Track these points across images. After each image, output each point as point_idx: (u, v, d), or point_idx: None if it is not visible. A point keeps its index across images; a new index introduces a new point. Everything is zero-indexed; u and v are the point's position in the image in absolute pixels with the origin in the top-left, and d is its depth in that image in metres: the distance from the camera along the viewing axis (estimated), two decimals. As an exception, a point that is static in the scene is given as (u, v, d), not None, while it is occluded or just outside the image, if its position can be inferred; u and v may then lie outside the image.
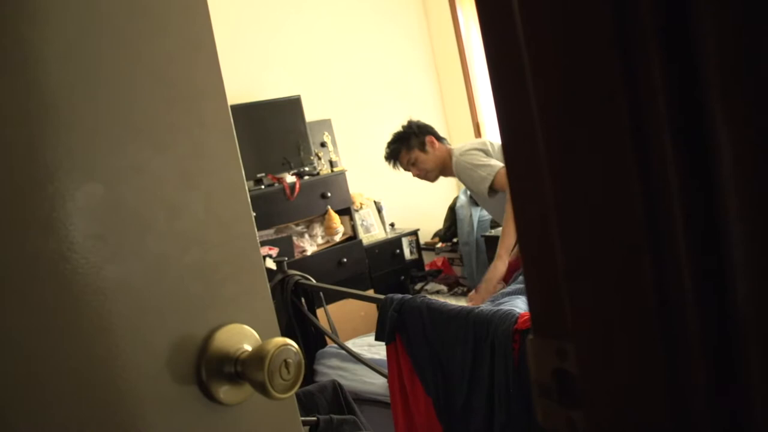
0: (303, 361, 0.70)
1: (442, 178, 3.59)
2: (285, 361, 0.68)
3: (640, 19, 0.31)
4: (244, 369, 0.69)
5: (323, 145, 4.90)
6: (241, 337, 0.72)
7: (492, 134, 5.41)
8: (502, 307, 2.42)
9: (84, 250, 0.64)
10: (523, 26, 0.36)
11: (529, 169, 0.38)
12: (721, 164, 0.30)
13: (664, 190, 0.32)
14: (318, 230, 4.75)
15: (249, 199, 0.76)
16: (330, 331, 3.12)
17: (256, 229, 0.77)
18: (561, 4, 0.34)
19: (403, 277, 5.13)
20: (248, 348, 0.71)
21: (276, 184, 4.50)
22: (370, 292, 4.45)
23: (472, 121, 5.53)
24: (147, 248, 0.68)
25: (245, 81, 4.53)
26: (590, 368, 0.38)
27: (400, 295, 2.47)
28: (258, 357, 0.67)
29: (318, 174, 4.73)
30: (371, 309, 4.31)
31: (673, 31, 0.31)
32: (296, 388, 0.70)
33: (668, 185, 0.32)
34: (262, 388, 0.67)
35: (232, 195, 0.75)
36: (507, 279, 3.12)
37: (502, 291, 2.98)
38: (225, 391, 0.71)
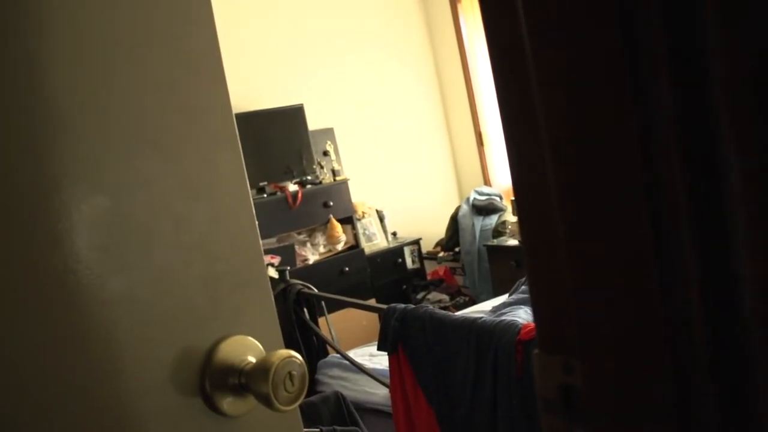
0: (307, 374, 0.70)
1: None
2: (289, 373, 0.68)
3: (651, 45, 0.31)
4: (248, 381, 0.69)
5: (326, 153, 4.91)
6: (246, 349, 0.72)
7: (495, 144, 5.42)
8: (504, 317, 2.42)
9: (89, 262, 0.64)
10: (536, 74, 0.36)
11: (537, 180, 0.38)
12: (731, 185, 0.30)
13: (673, 207, 0.32)
14: (320, 239, 4.76)
15: (254, 212, 0.77)
16: (332, 340, 3.11)
17: (261, 242, 0.77)
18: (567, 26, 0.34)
19: (404, 287, 5.13)
20: (252, 360, 0.71)
21: (278, 193, 4.51)
22: (372, 302, 4.45)
23: (474, 131, 5.54)
24: (152, 260, 0.69)
25: (248, 90, 4.54)
26: (596, 384, 0.38)
27: (402, 305, 2.47)
28: (262, 369, 0.67)
29: (320, 183, 4.74)
30: (372, 318, 4.30)
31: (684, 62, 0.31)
32: (300, 400, 0.70)
33: (677, 203, 0.32)
34: (266, 401, 0.67)
35: (238, 207, 0.75)
36: None
37: (504, 301, 2.98)
38: (229, 403, 0.70)
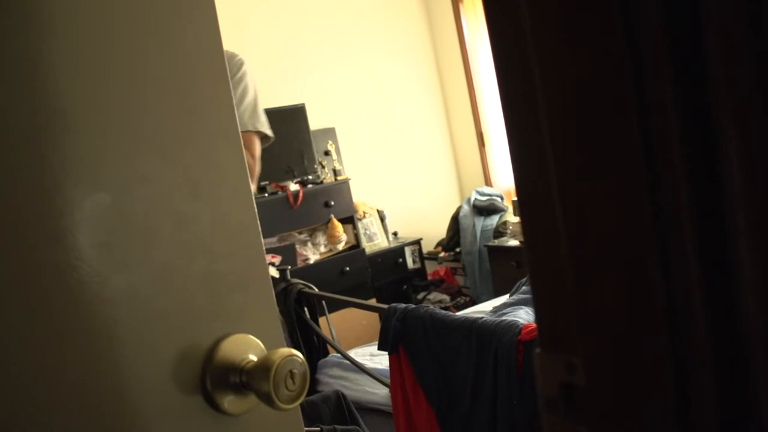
0: (308, 372, 0.70)
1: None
2: (290, 371, 0.68)
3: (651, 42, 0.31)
4: (249, 379, 0.69)
5: (327, 153, 4.91)
6: (247, 347, 0.72)
7: (496, 144, 5.42)
8: (505, 318, 2.42)
9: (90, 260, 0.64)
10: (539, 75, 0.36)
11: (539, 179, 0.38)
12: (733, 184, 0.30)
13: (673, 207, 0.32)
14: (321, 239, 4.76)
15: (256, 209, 0.77)
16: (332, 340, 3.11)
17: (262, 239, 0.77)
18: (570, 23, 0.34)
19: (405, 287, 5.13)
20: (253, 358, 0.71)
21: (279, 193, 4.51)
22: (373, 302, 4.45)
23: (475, 131, 5.54)
24: (153, 258, 0.69)
25: (250, 89, 4.54)
26: (597, 383, 0.38)
27: (403, 305, 2.47)
28: (264, 367, 0.67)
29: (321, 182, 4.74)
30: (373, 318, 4.30)
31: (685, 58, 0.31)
32: (301, 399, 0.70)
33: (679, 202, 0.32)
34: (267, 399, 0.67)
35: (239, 205, 0.75)
36: None
37: (505, 302, 2.97)
38: (230, 402, 0.70)
